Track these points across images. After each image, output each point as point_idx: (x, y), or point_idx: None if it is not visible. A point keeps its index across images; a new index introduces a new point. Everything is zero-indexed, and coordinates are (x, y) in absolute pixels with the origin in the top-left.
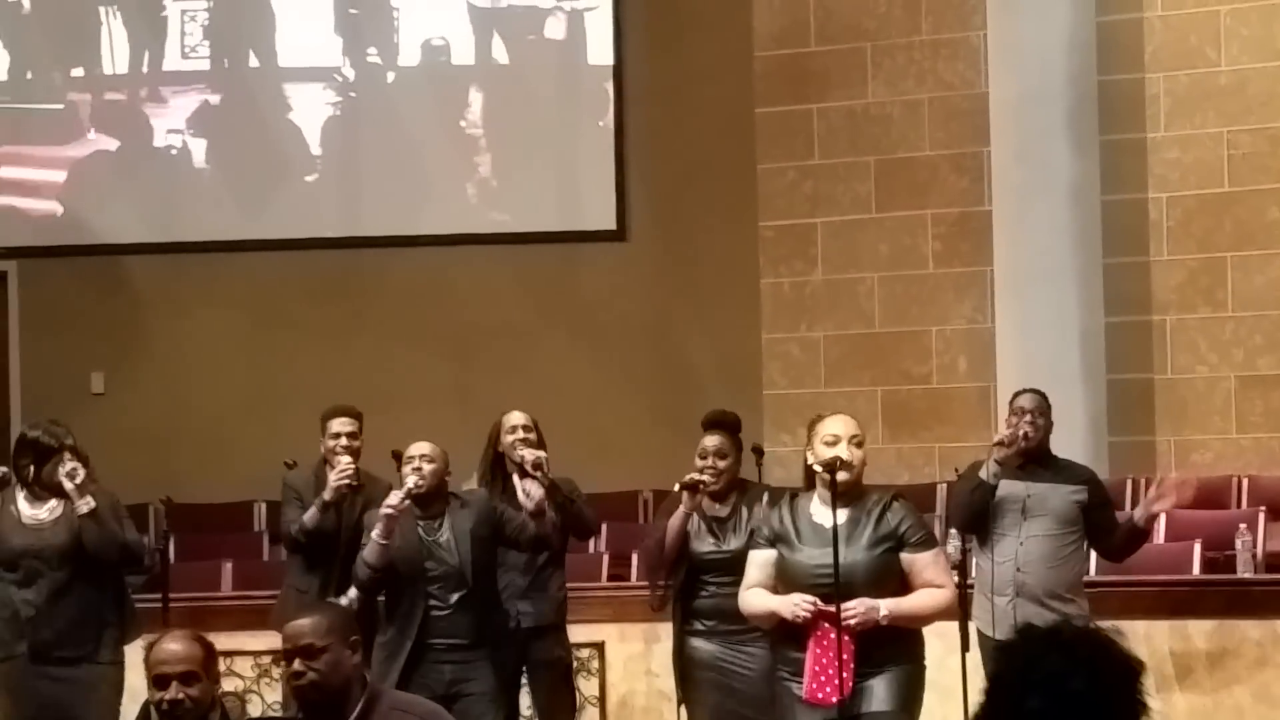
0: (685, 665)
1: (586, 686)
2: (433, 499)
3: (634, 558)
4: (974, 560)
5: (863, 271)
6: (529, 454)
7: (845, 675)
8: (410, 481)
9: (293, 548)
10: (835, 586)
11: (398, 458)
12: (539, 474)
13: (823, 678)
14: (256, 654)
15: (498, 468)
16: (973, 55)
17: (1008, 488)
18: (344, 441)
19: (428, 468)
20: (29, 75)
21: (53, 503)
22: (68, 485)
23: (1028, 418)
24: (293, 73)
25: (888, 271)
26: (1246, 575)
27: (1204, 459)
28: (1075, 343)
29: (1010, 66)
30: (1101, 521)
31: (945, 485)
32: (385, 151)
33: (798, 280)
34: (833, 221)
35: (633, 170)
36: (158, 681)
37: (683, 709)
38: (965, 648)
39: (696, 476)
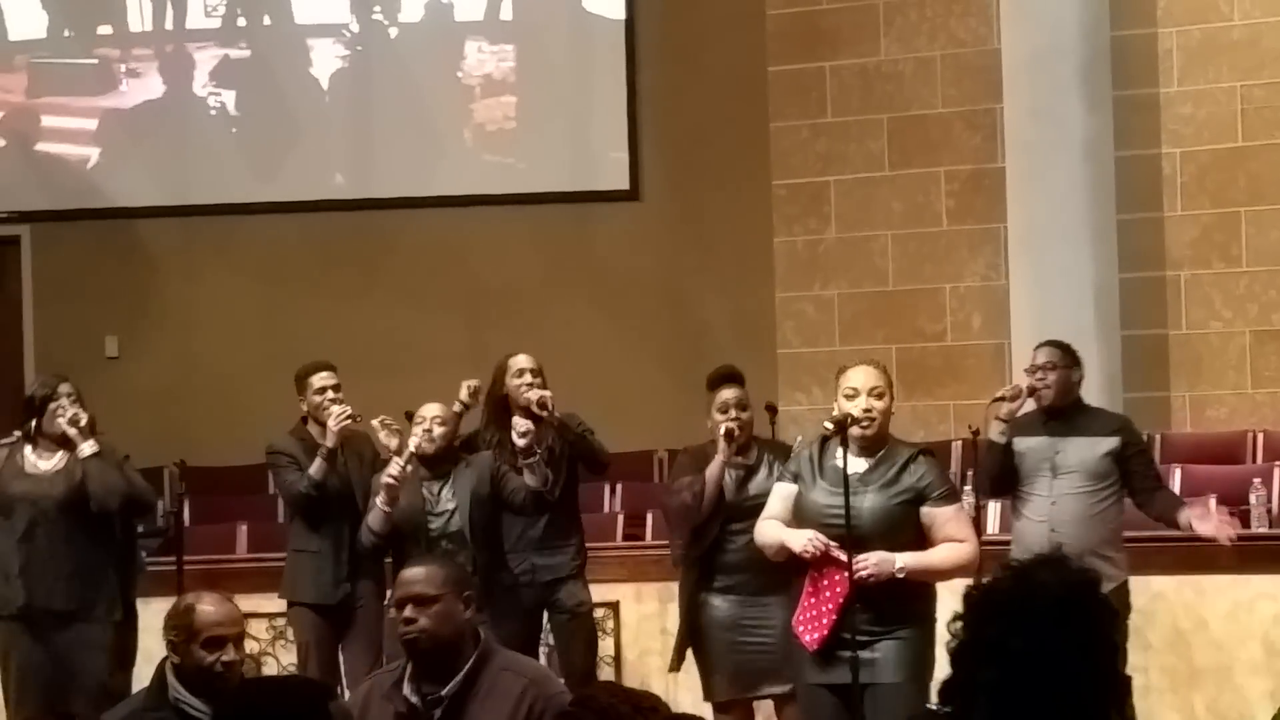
0: (701, 624)
1: (601, 646)
2: (441, 459)
3: (648, 517)
4: (1012, 523)
5: (876, 229)
6: (534, 394)
7: (828, 621)
8: (412, 444)
9: (305, 504)
10: (847, 529)
11: (410, 419)
12: (546, 413)
13: (810, 614)
14: (271, 616)
15: (501, 410)
16: (985, 11)
17: (1034, 445)
18: (331, 395)
19: (438, 430)
20: (66, 33)
21: (59, 455)
22: (69, 431)
23: (1038, 374)
24: (306, 30)
25: (901, 229)
26: (1261, 530)
27: (1219, 414)
28: (1089, 299)
29: (1022, 22)
30: (1137, 470)
31: (960, 443)
32: (397, 113)
33: (811, 239)
34: (845, 180)
35: (645, 129)
36: (213, 643)
37: (674, 674)
38: None
39: (729, 426)
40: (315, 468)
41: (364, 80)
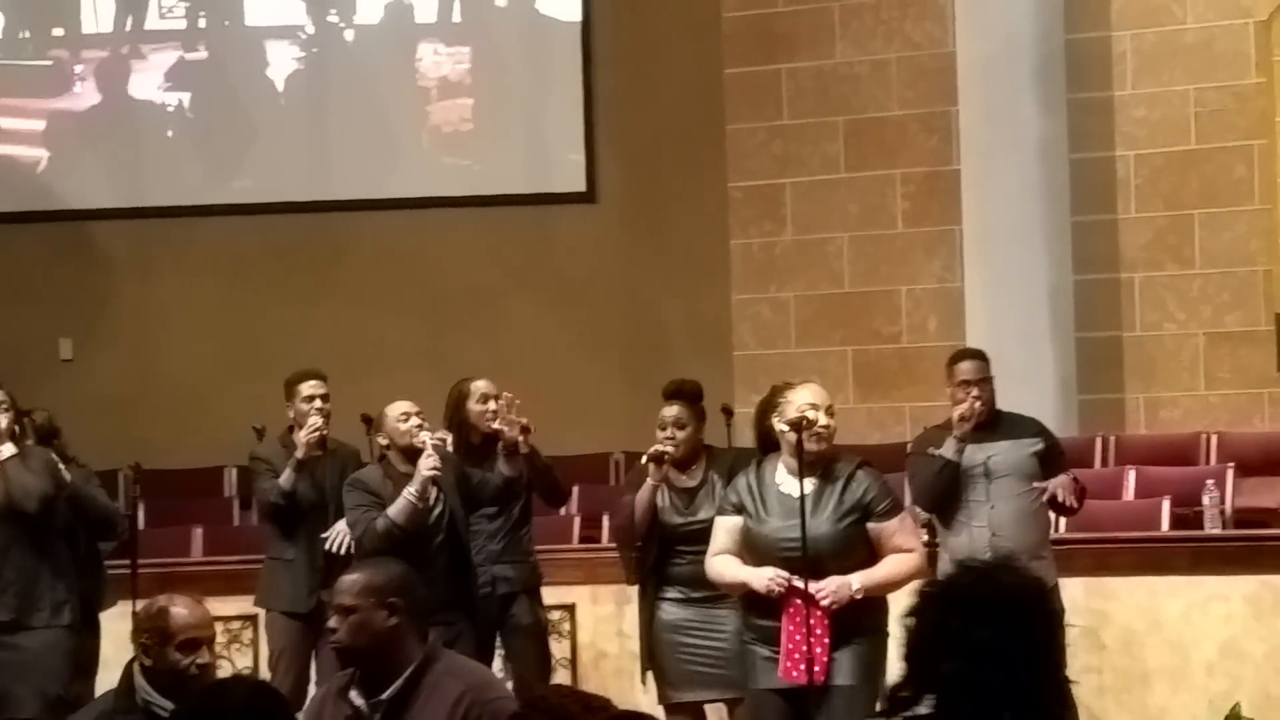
0: (655, 631)
1: (558, 649)
2: (416, 456)
3: (604, 520)
4: (940, 533)
5: (832, 231)
6: (514, 422)
7: (819, 650)
8: (431, 441)
9: (273, 514)
10: (804, 555)
11: (368, 422)
12: (523, 439)
13: (796, 656)
14: (226, 619)
15: (461, 435)
16: (940, 14)
17: (967, 455)
18: (318, 404)
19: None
20: (22, 34)
21: None
22: None
23: (974, 392)
24: (261, 32)
25: (857, 231)
26: (1215, 531)
27: (1172, 416)
28: (1044, 301)
29: (977, 25)
30: (1056, 470)
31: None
32: (354, 115)
33: (767, 241)
34: (802, 182)
35: (602, 132)
36: (188, 645)
37: (649, 676)
38: None
39: (660, 448)
40: (285, 477)
41: (320, 82)
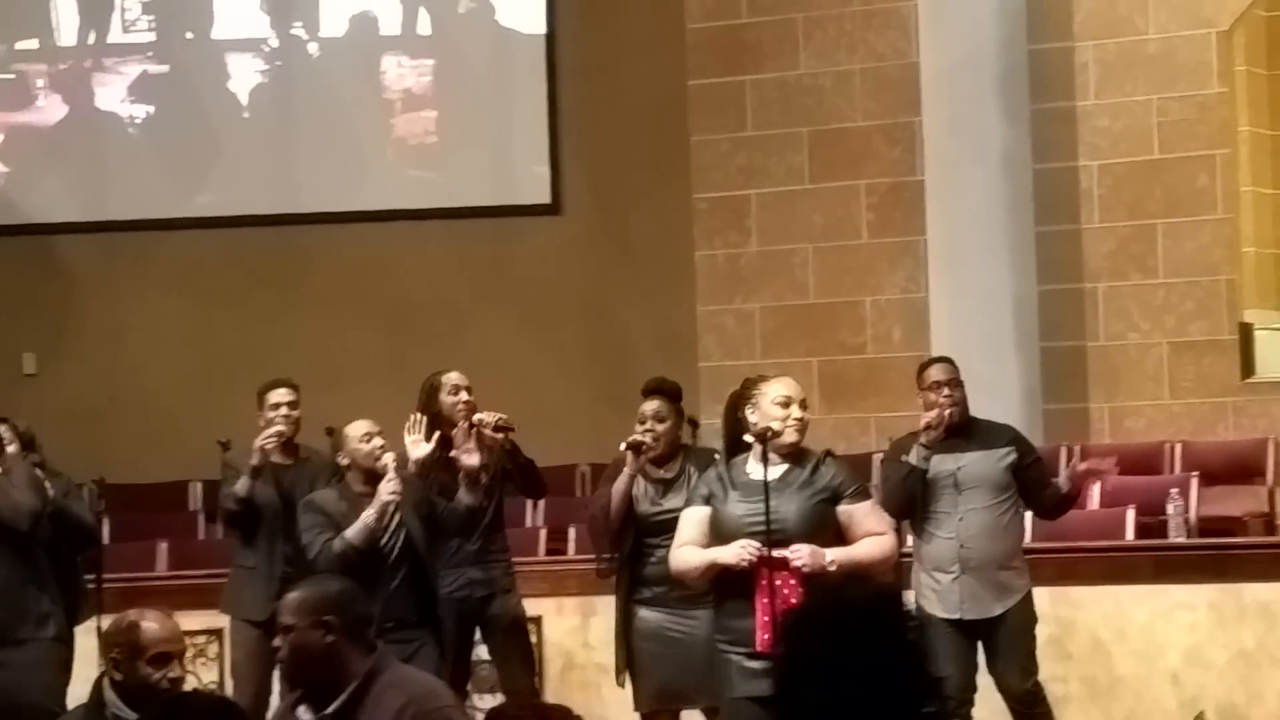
0: (631, 638)
1: None
2: (377, 478)
3: (571, 532)
4: (910, 539)
5: (797, 243)
6: (489, 416)
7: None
8: (394, 465)
9: (229, 520)
10: (767, 534)
11: (331, 434)
12: (503, 435)
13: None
14: (191, 634)
15: (433, 428)
16: (903, 25)
17: (937, 464)
18: (284, 411)
19: (380, 441)
20: None
21: None
22: None
23: (945, 391)
24: (225, 45)
25: (822, 242)
26: (1179, 540)
27: (1137, 425)
28: (1008, 311)
29: (941, 36)
30: (1034, 477)
31: (881, 455)
32: (318, 128)
33: (732, 252)
34: (766, 193)
35: (566, 144)
36: (159, 660)
37: (625, 678)
38: None
39: (639, 438)
40: (240, 483)
41: (284, 95)
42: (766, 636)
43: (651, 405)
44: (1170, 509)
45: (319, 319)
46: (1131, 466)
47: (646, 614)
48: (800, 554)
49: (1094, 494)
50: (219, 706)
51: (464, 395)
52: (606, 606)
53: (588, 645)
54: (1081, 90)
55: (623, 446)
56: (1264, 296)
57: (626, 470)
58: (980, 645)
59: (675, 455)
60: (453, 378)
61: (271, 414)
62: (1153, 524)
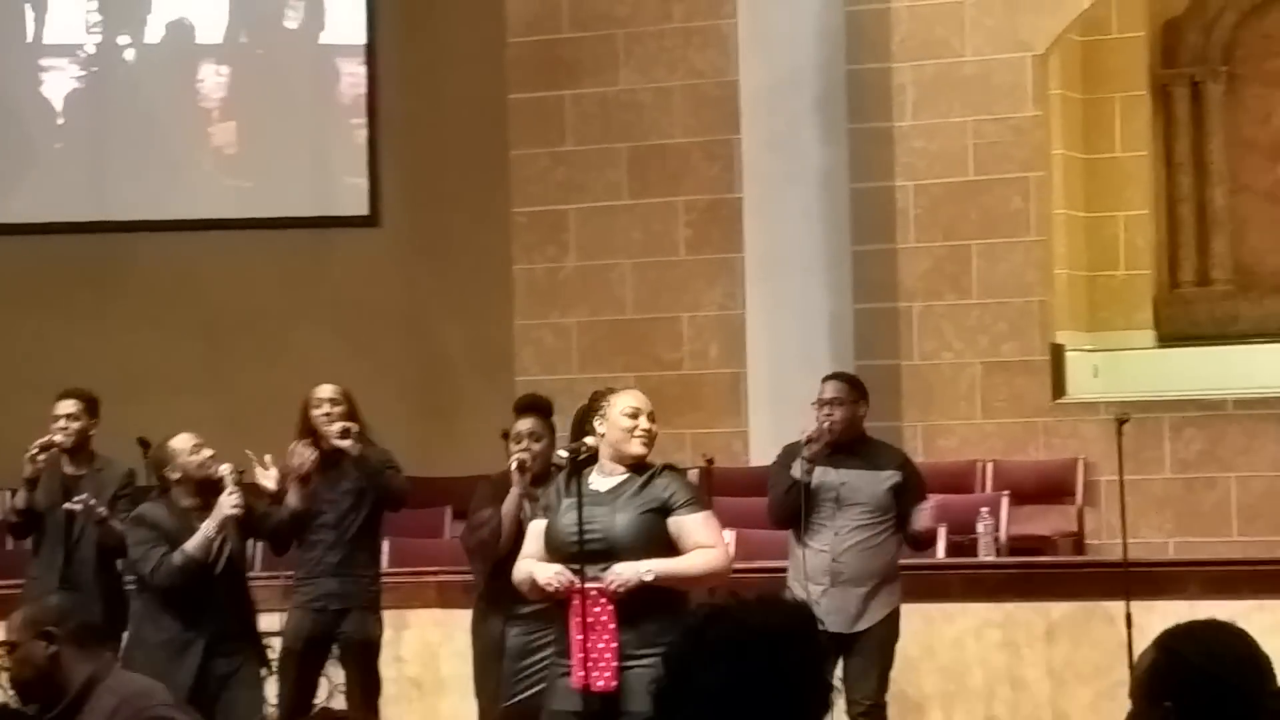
0: (488, 650)
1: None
2: (209, 488)
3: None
4: (790, 548)
5: (615, 258)
6: (336, 426)
7: (611, 656)
8: (230, 483)
9: (11, 531)
10: (580, 549)
11: (145, 445)
12: (347, 444)
13: (589, 663)
14: None
15: (314, 443)
16: (723, 43)
17: (821, 476)
18: (62, 423)
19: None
20: None
21: None
22: None
23: (827, 409)
24: (39, 50)
25: (640, 258)
26: (989, 559)
27: (949, 444)
28: (824, 329)
29: (760, 55)
30: (909, 501)
31: (697, 471)
32: (134, 135)
33: (551, 266)
34: (585, 208)
35: (385, 155)
36: None
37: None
38: None
39: (522, 456)
40: (19, 496)
41: (99, 102)
42: (581, 674)
43: (526, 424)
44: (980, 528)
45: (132, 328)
46: (944, 485)
47: (512, 631)
48: (613, 576)
49: None
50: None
51: (326, 408)
52: (427, 620)
53: (438, 657)
54: (899, 111)
55: (513, 466)
56: (1075, 318)
57: (515, 491)
58: (841, 660)
59: (548, 474)
60: (321, 391)
61: (53, 425)
62: (963, 542)
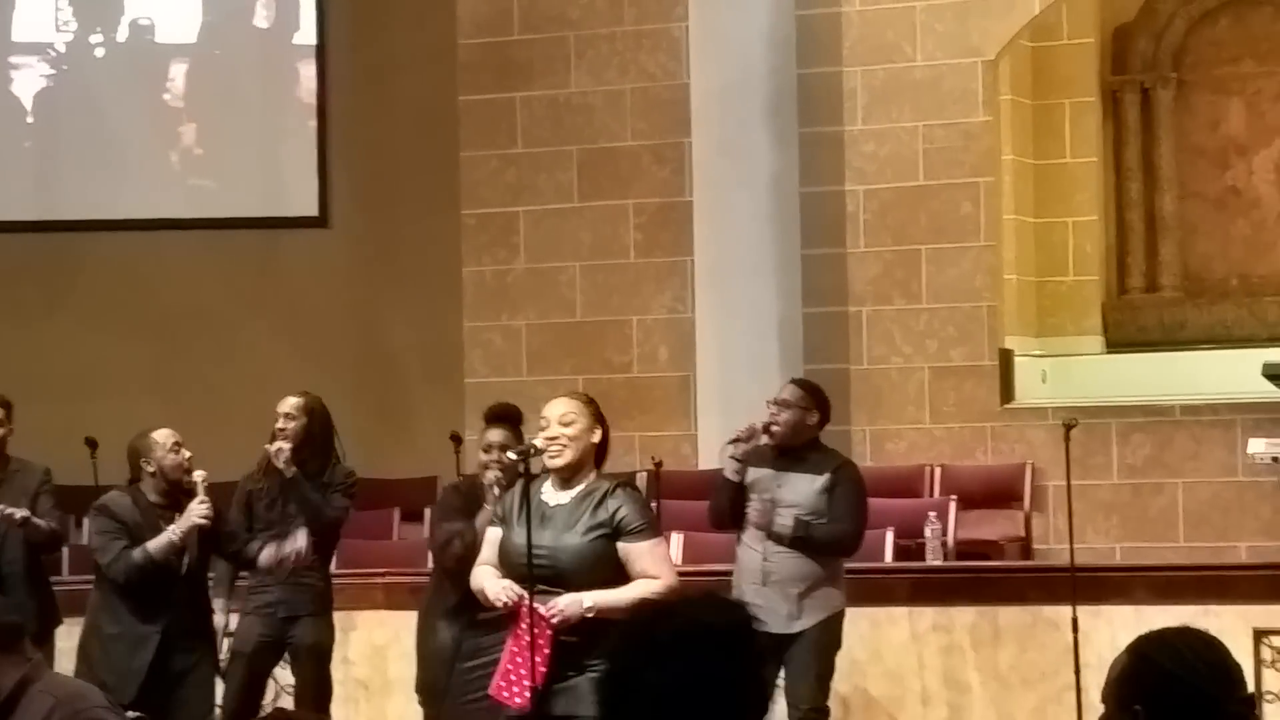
0: (437, 662)
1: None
2: (178, 488)
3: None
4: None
5: (565, 260)
6: (274, 445)
7: (528, 683)
8: (202, 490)
9: None
10: (529, 568)
11: (93, 445)
12: (280, 465)
13: (513, 677)
14: None
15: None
16: (675, 46)
17: (760, 477)
18: None
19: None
20: None
21: None
22: None
23: (775, 409)
24: (10, 48)
25: (589, 261)
26: (936, 563)
27: (897, 448)
28: (773, 333)
29: (711, 58)
30: (833, 504)
31: (645, 474)
32: (82, 134)
33: (500, 269)
34: (535, 210)
35: (335, 156)
36: None
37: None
38: None
39: (497, 474)
40: None
41: (50, 101)
42: (501, 685)
43: (497, 435)
44: (928, 532)
45: (81, 327)
46: (892, 489)
47: (467, 636)
48: (555, 608)
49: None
50: None
51: (280, 422)
52: (364, 622)
53: (348, 660)
54: (849, 115)
55: (488, 483)
56: (1024, 324)
57: (488, 507)
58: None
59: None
60: (281, 405)
61: None
62: (910, 547)
